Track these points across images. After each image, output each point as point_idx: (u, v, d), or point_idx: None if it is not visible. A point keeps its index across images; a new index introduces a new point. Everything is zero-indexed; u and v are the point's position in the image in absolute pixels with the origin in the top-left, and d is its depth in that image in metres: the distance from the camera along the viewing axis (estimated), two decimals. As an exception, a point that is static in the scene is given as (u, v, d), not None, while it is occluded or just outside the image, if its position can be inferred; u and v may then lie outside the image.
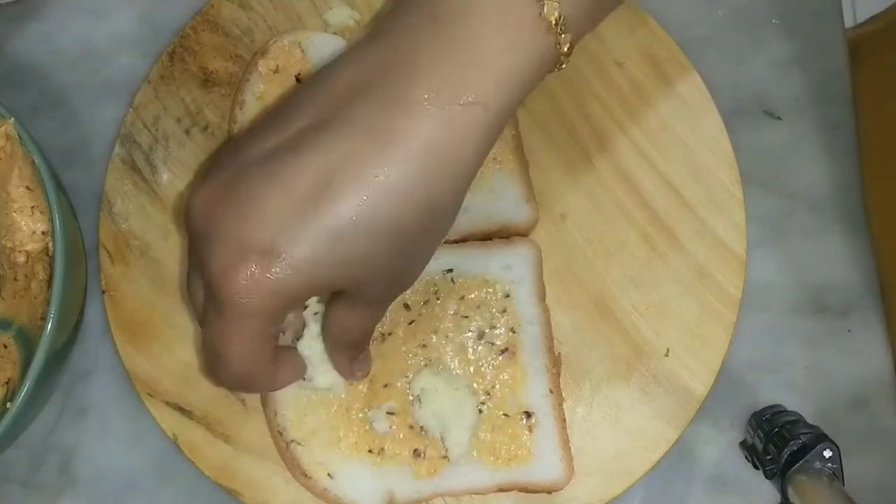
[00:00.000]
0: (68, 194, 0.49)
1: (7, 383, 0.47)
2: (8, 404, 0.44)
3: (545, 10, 0.33)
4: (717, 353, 0.50)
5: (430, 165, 0.33)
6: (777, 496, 0.48)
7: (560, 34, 0.34)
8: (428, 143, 0.33)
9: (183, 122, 0.53)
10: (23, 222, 0.47)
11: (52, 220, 0.45)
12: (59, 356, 0.47)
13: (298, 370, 0.46)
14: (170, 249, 0.52)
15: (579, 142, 0.52)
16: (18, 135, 0.47)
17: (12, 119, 0.47)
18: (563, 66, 0.35)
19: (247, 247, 0.34)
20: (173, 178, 0.52)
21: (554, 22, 0.33)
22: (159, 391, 0.50)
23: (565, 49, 0.34)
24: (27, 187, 0.47)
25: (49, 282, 0.47)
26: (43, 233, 0.47)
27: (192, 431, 0.50)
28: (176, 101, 0.53)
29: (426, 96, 0.33)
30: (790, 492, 0.46)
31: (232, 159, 0.36)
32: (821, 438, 0.47)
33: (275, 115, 0.37)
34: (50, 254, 0.47)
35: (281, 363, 0.44)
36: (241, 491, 0.49)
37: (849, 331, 0.52)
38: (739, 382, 0.52)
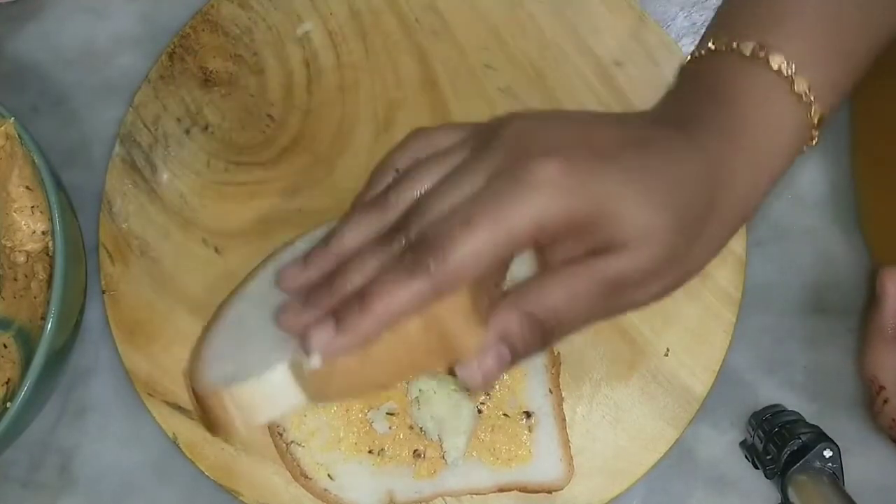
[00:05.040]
0: (68, 194, 0.49)
1: (7, 383, 0.47)
2: (8, 404, 0.44)
3: (795, 85, 0.36)
4: (716, 353, 0.50)
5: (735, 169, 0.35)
6: (777, 496, 0.48)
7: (810, 105, 0.37)
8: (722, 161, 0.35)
9: (183, 121, 0.53)
10: (23, 222, 0.47)
11: (52, 220, 0.45)
12: (59, 356, 0.47)
13: None
14: (170, 249, 0.52)
15: (579, 142, 0.52)
16: (18, 135, 0.47)
17: (12, 119, 0.47)
18: (815, 141, 0.38)
19: (574, 148, 0.34)
20: (173, 178, 0.52)
21: (803, 94, 0.36)
22: (159, 391, 0.50)
23: (815, 121, 0.37)
24: (27, 187, 0.47)
25: (49, 282, 0.47)
26: (43, 232, 0.47)
27: (192, 431, 0.50)
28: (176, 100, 0.53)
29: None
30: (790, 492, 0.46)
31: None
32: (821, 438, 0.47)
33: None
34: (50, 254, 0.47)
35: None
36: (241, 491, 0.49)
37: (849, 330, 0.52)
38: (739, 382, 0.52)
